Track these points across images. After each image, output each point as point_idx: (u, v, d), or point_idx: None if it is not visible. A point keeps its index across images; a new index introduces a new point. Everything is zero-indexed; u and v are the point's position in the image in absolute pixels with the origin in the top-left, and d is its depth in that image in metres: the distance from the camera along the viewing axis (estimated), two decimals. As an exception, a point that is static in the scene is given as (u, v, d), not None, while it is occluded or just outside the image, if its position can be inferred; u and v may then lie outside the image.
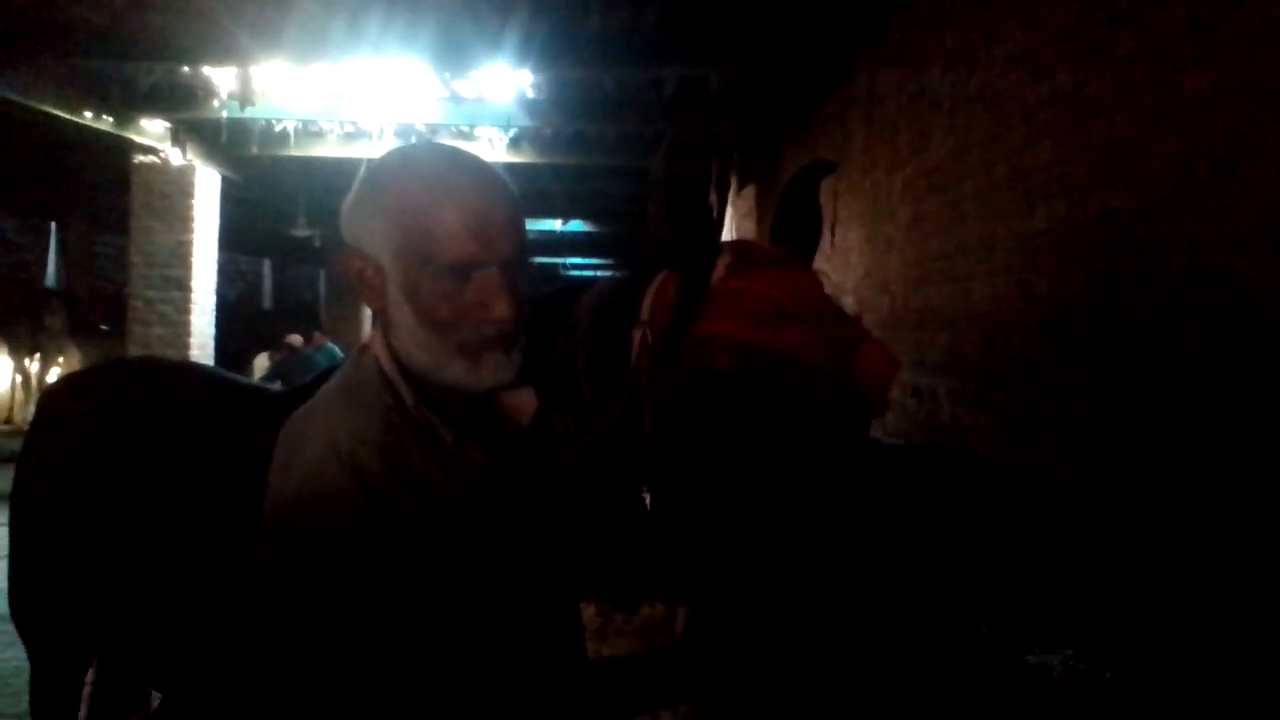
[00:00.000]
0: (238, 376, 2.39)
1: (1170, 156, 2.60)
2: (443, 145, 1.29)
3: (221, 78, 7.71)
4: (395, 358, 1.20)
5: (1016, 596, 2.90)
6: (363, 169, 1.24)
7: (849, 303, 5.78)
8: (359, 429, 1.14)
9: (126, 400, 2.07)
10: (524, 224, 1.23)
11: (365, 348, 1.25)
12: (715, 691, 1.23)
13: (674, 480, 1.24)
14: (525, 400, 1.31)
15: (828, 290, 1.29)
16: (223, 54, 6.50)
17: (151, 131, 8.57)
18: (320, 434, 1.14)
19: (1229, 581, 2.34)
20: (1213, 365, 2.42)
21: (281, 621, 1.11)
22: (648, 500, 1.39)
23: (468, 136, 8.86)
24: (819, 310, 1.23)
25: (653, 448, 1.25)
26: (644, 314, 1.30)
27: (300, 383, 2.09)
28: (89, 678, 2.31)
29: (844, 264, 6.45)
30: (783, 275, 1.25)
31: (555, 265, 21.91)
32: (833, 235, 6.75)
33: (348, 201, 1.22)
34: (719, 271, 1.27)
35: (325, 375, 1.60)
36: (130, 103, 8.03)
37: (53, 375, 12.43)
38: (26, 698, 2.31)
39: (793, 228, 1.41)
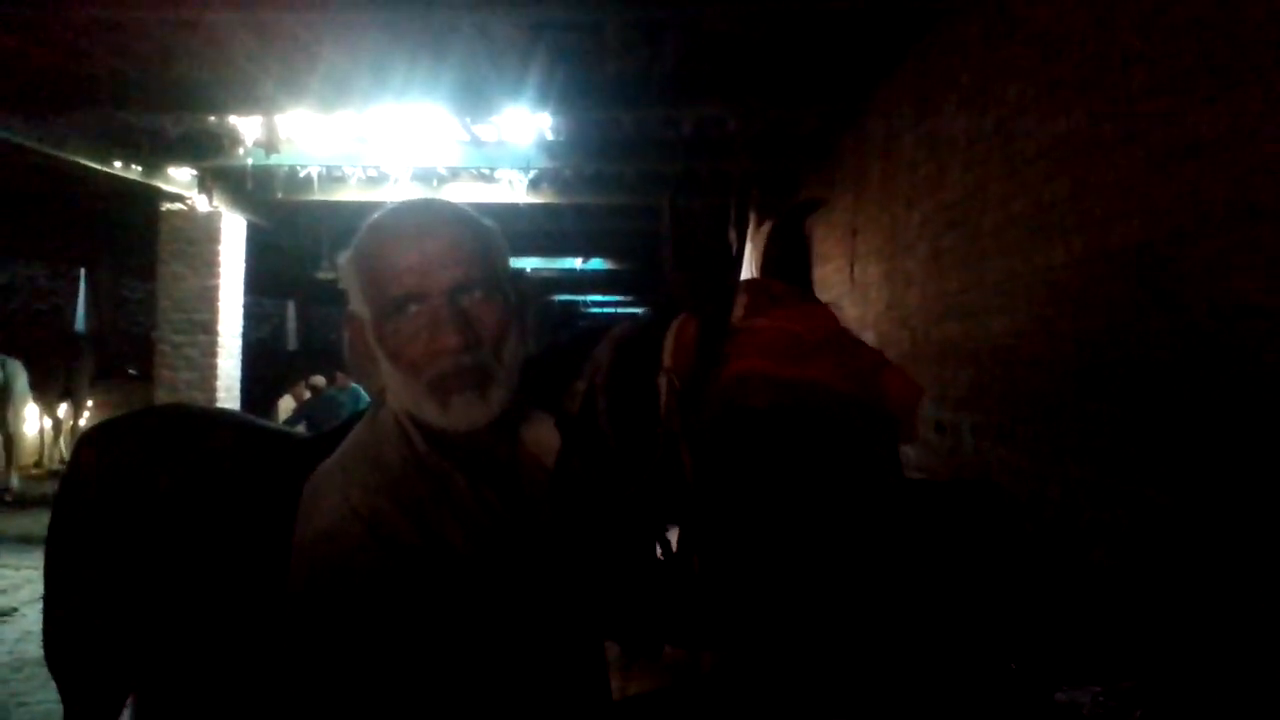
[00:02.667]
0: (267, 423, 2.42)
1: (1187, 191, 2.61)
2: (408, 199, 1.31)
3: (247, 126, 7.85)
4: (403, 407, 1.23)
5: (1044, 633, 2.88)
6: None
7: (869, 338, 5.78)
8: (374, 480, 1.17)
9: (160, 447, 2.11)
10: (484, 249, 1.23)
11: (383, 402, 1.27)
12: None
13: (717, 518, 1.24)
14: (547, 438, 1.32)
15: (843, 322, 1.31)
16: (249, 103, 6.63)
17: (179, 179, 8.72)
18: (337, 489, 1.17)
19: (1260, 620, 2.32)
20: (1236, 400, 2.41)
21: (308, 667, 1.13)
22: (673, 543, 1.40)
23: (488, 179, 8.97)
24: (839, 341, 1.25)
25: (696, 489, 1.25)
26: (666, 360, 1.32)
27: (324, 422, 2.12)
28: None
29: (863, 299, 6.46)
30: (800, 310, 1.28)
31: (576, 303, 22.04)
32: (852, 271, 6.77)
33: (340, 271, 1.27)
34: (738, 311, 1.29)
35: (353, 421, 1.63)
36: (159, 152, 8.18)
37: (82, 419, 12.57)
38: (59, 742, 2.33)
39: (783, 265, 1.43)
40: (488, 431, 1.24)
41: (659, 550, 1.45)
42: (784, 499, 1.18)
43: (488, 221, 1.28)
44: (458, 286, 1.19)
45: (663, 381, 1.31)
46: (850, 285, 6.77)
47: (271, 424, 2.43)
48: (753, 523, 1.20)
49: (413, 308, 1.18)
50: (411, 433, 1.21)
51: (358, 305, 1.24)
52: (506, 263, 1.29)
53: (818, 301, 1.35)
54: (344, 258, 1.27)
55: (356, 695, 1.09)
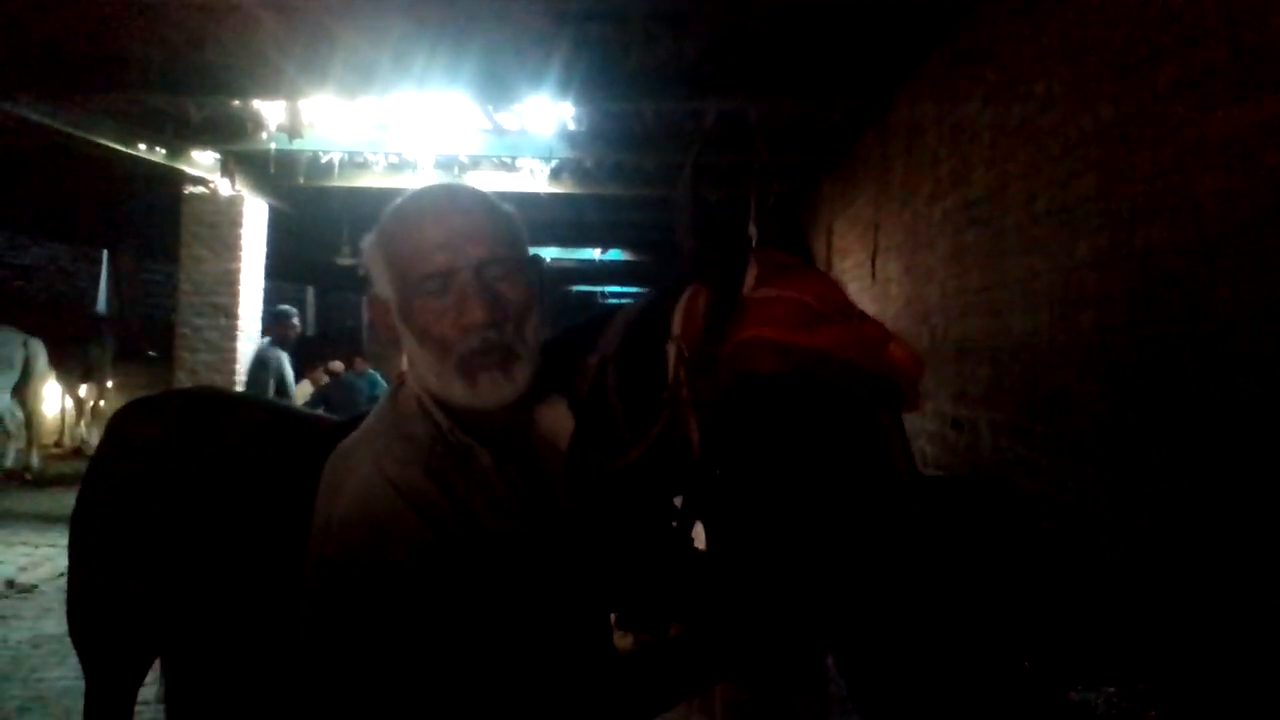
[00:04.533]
0: (296, 407, 2.44)
1: (1213, 192, 2.59)
2: (431, 184, 1.35)
3: (271, 111, 7.88)
4: (427, 388, 1.25)
5: (1059, 632, 2.87)
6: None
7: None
8: (406, 454, 1.19)
9: (192, 427, 2.13)
10: (507, 229, 1.27)
11: (402, 383, 1.29)
12: (739, 675, 1.23)
13: (724, 485, 1.25)
14: (561, 420, 1.34)
15: (849, 295, 1.31)
16: (272, 88, 6.66)
17: (202, 163, 8.77)
18: (367, 461, 1.19)
19: (1276, 622, 2.30)
20: (1259, 401, 2.39)
21: (330, 635, 1.14)
22: (676, 518, 1.41)
23: (509, 168, 8.98)
24: (846, 312, 1.25)
25: (702, 456, 1.26)
26: (675, 328, 1.32)
27: (342, 407, 2.13)
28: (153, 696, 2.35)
29: (884, 294, 6.44)
30: (809, 280, 1.28)
31: (593, 293, 22.05)
32: (873, 265, 6.75)
33: (364, 255, 1.29)
34: (749, 281, 1.29)
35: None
36: (182, 135, 8.23)
37: (103, 400, 12.68)
38: (74, 717, 2.35)
39: (782, 243, 1.43)
40: (506, 412, 1.25)
41: (665, 524, 1.45)
42: (789, 465, 1.18)
43: (508, 206, 1.32)
44: (484, 263, 1.22)
45: (671, 349, 1.31)
46: (871, 280, 6.76)
47: (300, 409, 2.45)
48: (757, 490, 1.20)
49: (441, 284, 1.20)
50: (434, 411, 1.23)
51: (382, 287, 1.27)
52: (526, 246, 1.33)
53: (822, 273, 1.36)
54: (368, 241, 1.29)
55: (382, 665, 1.10)
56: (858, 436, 1.19)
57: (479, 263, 1.21)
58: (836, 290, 1.29)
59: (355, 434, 1.28)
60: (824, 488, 1.17)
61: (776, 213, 1.49)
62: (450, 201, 1.26)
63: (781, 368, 1.19)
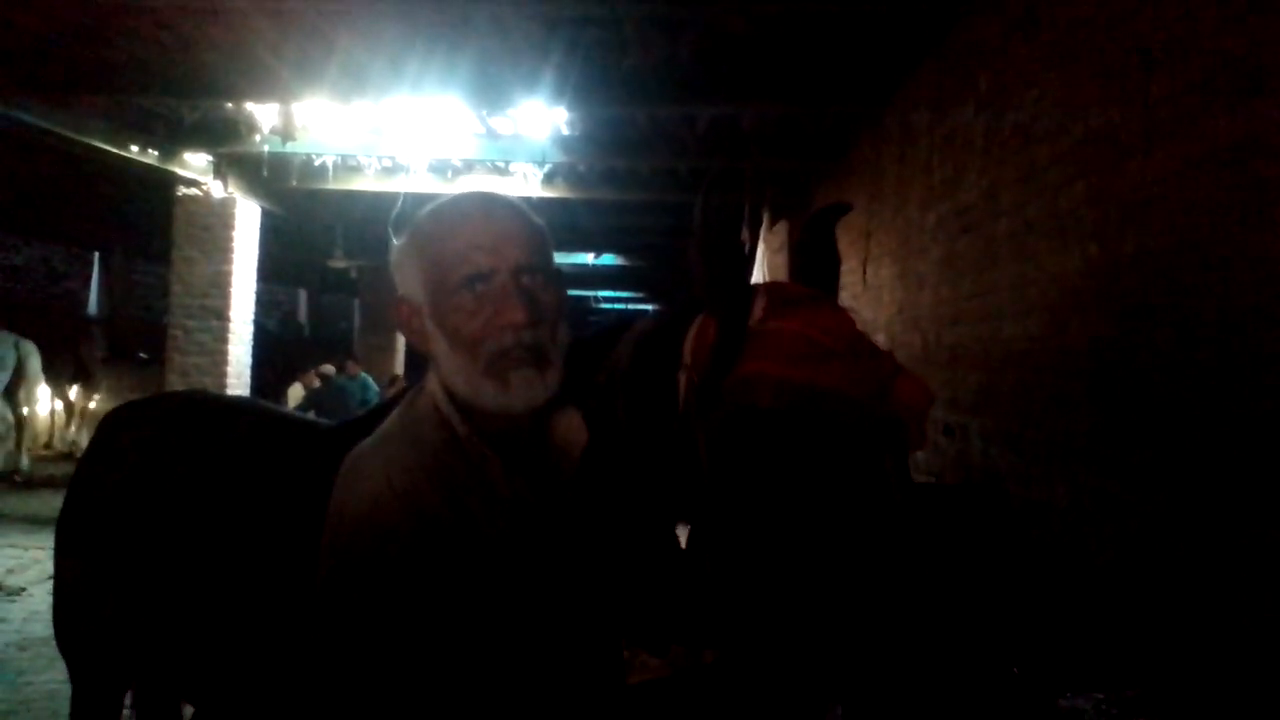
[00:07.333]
0: (289, 411, 2.43)
1: (1204, 200, 2.60)
2: (466, 191, 1.37)
3: (264, 113, 7.87)
4: (449, 393, 1.25)
5: (1048, 638, 2.88)
6: (395, 215, 1.31)
7: (880, 340, 5.77)
8: (416, 463, 1.19)
9: (183, 431, 2.12)
10: (540, 238, 1.30)
11: (422, 388, 1.30)
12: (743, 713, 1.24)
13: (724, 515, 1.25)
14: (576, 430, 1.34)
15: (859, 326, 1.31)
16: (266, 91, 6.66)
17: (195, 165, 8.75)
18: (378, 468, 1.20)
19: (1266, 629, 2.31)
20: (1249, 409, 2.40)
21: (336, 640, 1.15)
22: (684, 540, 1.41)
23: (503, 172, 8.98)
24: (854, 346, 1.24)
25: (710, 486, 1.26)
26: (686, 357, 1.32)
27: (334, 410, 2.12)
28: (127, 701, 2.34)
29: (876, 301, 6.45)
30: (818, 313, 1.27)
31: (587, 298, 22.04)
32: (865, 272, 6.76)
33: (392, 257, 1.30)
34: (757, 313, 1.29)
35: (376, 411, 1.65)
36: (175, 137, 8.22)
37: (93, 402, 12.63)
38: (61, 720, 2.34)
39: (812, 268, 1.42)
40: (525, 419, 1.26)
41: (671, 546, 1.45)
42: (783, 499, 1.18)
43: (537, 216, 1.34)
44: (522, 267, 1.24)
45: (682, 379, 1.31)
46: (862, 287, 6.77)
47: (297, 414, 2.44)
48: (753, 522, 1.20)
49: (479, 286, 1.22)
50: (451, 417, 1.24)
51: (412, 289, 1.27)
52: (554, 256, 1.35)
53: (837, 306, 1.35)
54: (398, 243, 1.30)
55: (381, 675, 1.10)
56: (852, 477, 1.19)
57: (518, 266, 1.23)
58: (846, 323, 1.28)
59: (370, 439, 1.28)
60: (811, 529, 1.17)
61: (811, 233, 1.48)
62: (489, 207, 1.29)
63: (779, 404, 1.18)
